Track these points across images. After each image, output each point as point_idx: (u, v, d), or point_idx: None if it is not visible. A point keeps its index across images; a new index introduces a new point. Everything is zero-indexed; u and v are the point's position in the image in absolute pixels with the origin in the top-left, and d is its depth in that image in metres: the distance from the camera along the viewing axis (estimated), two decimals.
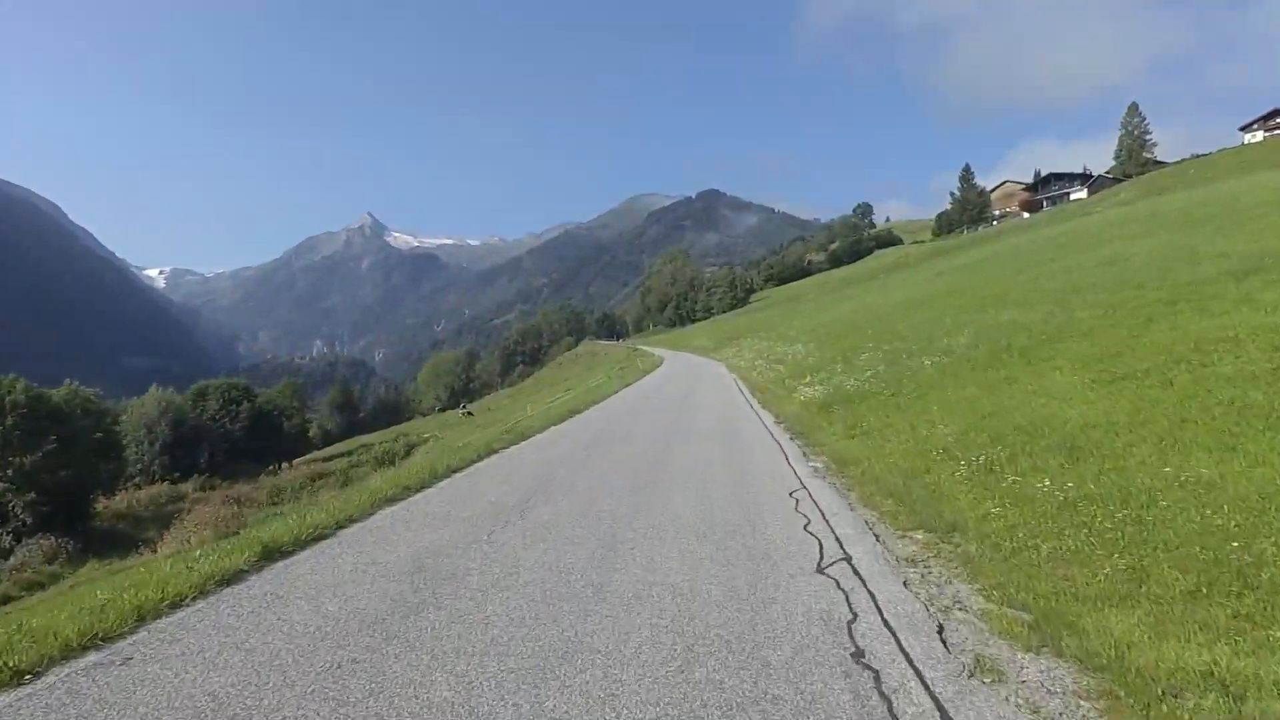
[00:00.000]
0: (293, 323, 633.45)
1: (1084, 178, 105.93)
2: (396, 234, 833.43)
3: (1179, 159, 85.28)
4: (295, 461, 64.08)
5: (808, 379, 20.30)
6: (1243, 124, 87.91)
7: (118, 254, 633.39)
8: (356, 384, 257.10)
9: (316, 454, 69.89)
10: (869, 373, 17.03)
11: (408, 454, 49.54)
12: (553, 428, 15.27)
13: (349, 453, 60.71)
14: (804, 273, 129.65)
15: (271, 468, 55.36)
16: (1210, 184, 43.41)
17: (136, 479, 51.12)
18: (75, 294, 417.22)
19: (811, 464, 9.40)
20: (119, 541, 35.77)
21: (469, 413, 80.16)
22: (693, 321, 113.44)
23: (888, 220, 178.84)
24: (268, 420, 60.32)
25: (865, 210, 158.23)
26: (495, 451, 11.79)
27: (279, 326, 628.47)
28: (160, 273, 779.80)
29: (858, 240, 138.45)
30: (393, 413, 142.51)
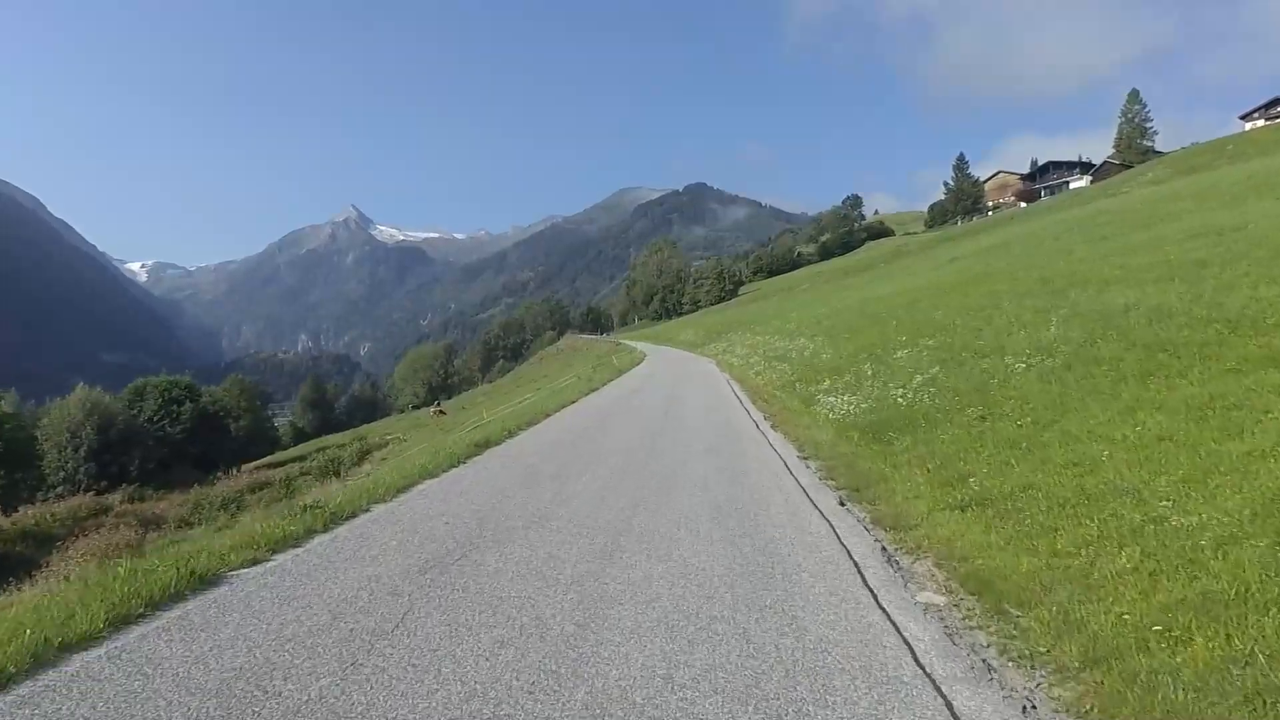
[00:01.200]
0: (277, 317, 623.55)
1: (1084, 166, 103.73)
2: (382, 227, 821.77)
3: (1173, 149, 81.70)
4: (247, 466, 58.64)
5: (827, 383, 15.41)
6: (1243, 113, 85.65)
7: (99, 248, 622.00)
8: (340, 379, 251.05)
9: (270, 458, 64.19)
10: (920, 377, 12.14)
11: (360, 460, 44.33)
12: (428, 482, 8.73)
13: (303, 457, 55.27)
14: (794, 264, 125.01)
15: (215, 476, 49.88)
16: (1256, 159, 38.86)
17: (59, 489, 45.76)
18: (55, 288, 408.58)
19: (923, 597, 4.37)
20: (13, 566, 30.67)
21: (441, 411, 75.16)
22: (679, 315, 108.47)
23: (876, 213, 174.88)
24: (213, 422, 54.78)
25: (855, 202, 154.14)
26: (277, 549, 5.80)
27: (263, 321, 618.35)
28: (142, 266, 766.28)
29: (848, 231, 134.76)
30: (369, 409, 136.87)
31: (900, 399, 11.07)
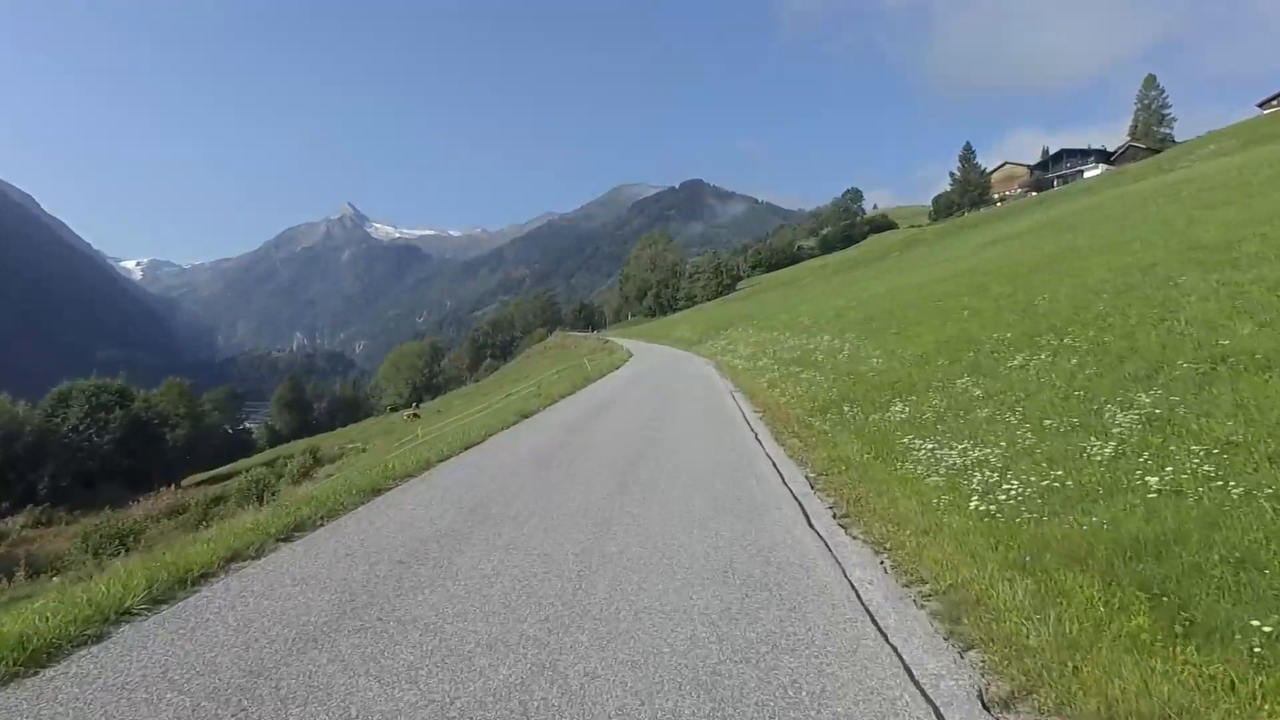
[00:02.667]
0: (272, 315, 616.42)
1: (1100, 153, 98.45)
2: (377, 225, 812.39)
3: (1187, 138, 76.80)
4: (191, 479, 52.43)
5: (901, 409, 9.26)
6: (1261, 100, 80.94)
7: (94, 245, 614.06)
8: (334, 377, 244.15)
9: (216, 470, 57.64)
10: (1124, 414, 6.09)
11: (302, 478, 38.11)
12: None
13: (246, 470, 49.00)
14: (794, 258, 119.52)
15: (140, 494, 43.60)
16: None
17: None
18: (49, 286, 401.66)
19: None
20: None
21: (416, 415, 69.61)
22: (674, 310, 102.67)
23: (875, 207, 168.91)
24: (147, 430, 48.48)
25: (855, 195, 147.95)
26: None
27: (258, 318, 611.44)
28: (137, 264, 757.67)
29: (849, 225, 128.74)
30: (350, 410, 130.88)
31: (1145, 477, 4.93)
